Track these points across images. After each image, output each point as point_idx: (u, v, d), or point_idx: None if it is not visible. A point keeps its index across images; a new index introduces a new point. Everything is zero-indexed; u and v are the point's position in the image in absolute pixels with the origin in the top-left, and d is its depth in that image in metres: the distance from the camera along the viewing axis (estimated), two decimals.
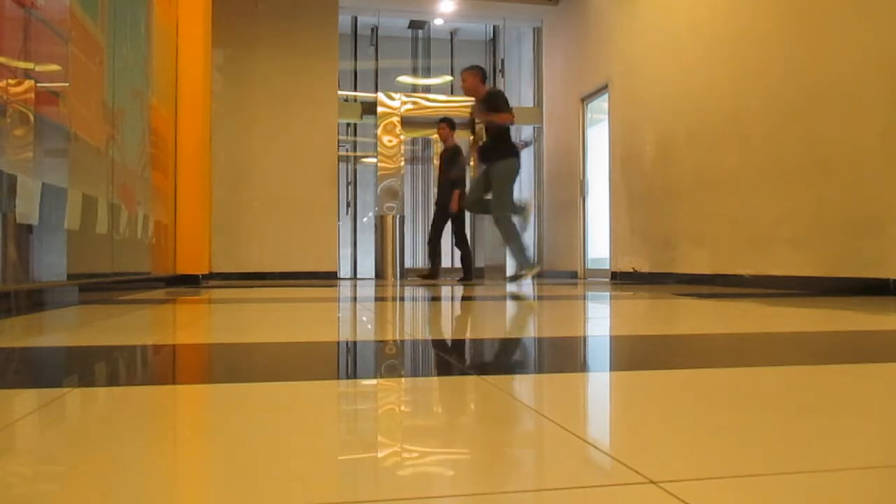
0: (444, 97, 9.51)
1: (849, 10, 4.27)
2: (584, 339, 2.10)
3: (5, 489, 0.66)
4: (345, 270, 9.44)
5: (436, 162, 9.69)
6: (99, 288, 3.96)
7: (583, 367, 1.56)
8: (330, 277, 8.42)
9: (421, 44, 10.52)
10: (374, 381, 1.35)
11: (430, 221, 7.49)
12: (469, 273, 7.22)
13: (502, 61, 10.35)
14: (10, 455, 0.80)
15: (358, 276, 9.55)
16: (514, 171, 5.66)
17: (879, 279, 3.97)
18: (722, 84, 5.50)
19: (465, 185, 7.18)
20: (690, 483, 0.66)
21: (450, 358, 1.70)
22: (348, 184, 9.76)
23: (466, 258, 7.24)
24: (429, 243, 7.55)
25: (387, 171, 8.70)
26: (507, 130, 5.79)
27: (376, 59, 9.80)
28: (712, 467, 0.73)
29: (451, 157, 7.28)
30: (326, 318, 2.82)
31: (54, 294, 3.27)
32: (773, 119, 4.88)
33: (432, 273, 7.35)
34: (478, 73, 5.91)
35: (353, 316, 3.00)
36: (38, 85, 2.84)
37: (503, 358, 1.70)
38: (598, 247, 8.03)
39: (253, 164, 8.28)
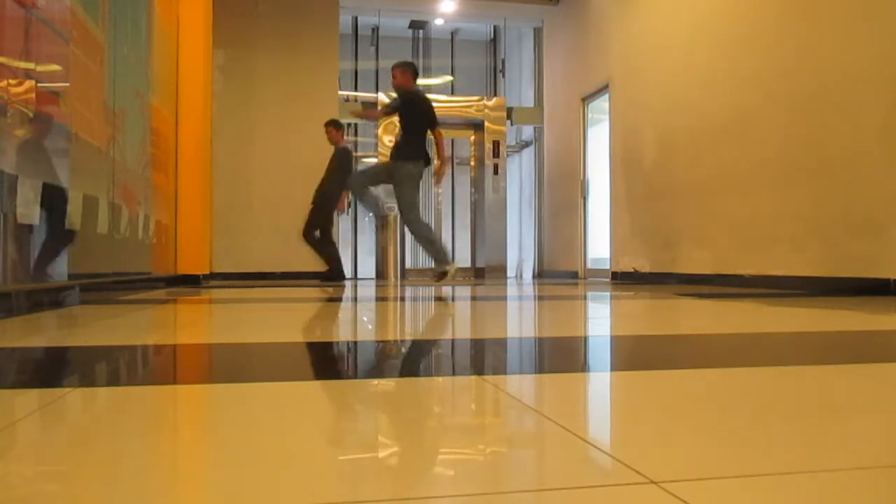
0: (444, 97, 9.50)
1: (849, 12, 4.26)
2: (585, 339, 2.10)
3: (5, 489, 0.66)
4: (345, 270, 9.43)
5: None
6: (99, 288, 3.96)
7: (583, 367, 1.56)
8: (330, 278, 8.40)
9: (421, 44, 10.52)
10: (381, 381, 1.35)
11: (307, 223, 7.06)
12: (333, 274, 6.96)
13: (503, 61, 10.36)
14: (10, 455, 0.80)
15: (358, 276, 9.55)
16: (413, 176, 5.55)
17: (879, 279, 3.97)
18: (722, 84, 5.49)
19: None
20: (691, 483, 0.66)
21: (452, 358, 1.70)
22: None
23: (333, 257, 7.01)
24: (313, 243, 7.15)
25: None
26: (419, 134, 5.62)
27: (377, 59, 9.80)
28: (713, 467, 0.72)
29: (340, 158, 7.03)
30: (326, 318, 2.82)
31: (55, 294, 3.27)
32: (774, 119, 4.88)
33: (334, 274, 7.03)
34: (408, 70, 5.75)
35: (354, 316, 2.99)
36: (39, 85, 2.84)
37: (504, 358, 1.70)
38: (599, 247, 8.03)
39: (253, 164, 8.28)
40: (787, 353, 1.70)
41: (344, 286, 5.42)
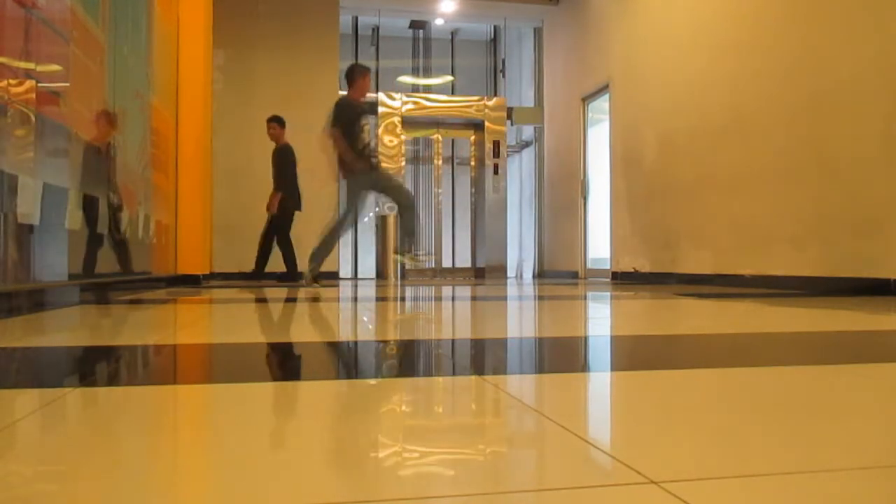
0: (444, 97, 9.50)
1: (849, 13, 4.26)
2: (585, 339, 2.10)
3: (5, 489, 0.66)
4: (345, 270, 9.44)
5: (437, 162, 9.70)
6: (100, 288, 3.96)
7: (584, 367, 1.56)
8: (331, 277, 8.41)
9: (422, 44, 10.52)
10: (381, 381, 1.35)
11: (269, 226, 6.89)
12: (293, 274, 6.82)
13: (503, 61, 10.36)
14: (10, 455, 0.80)
15: (358, 276, 9.55)
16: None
17: (879, 279, 3.97)
18: (723, 84, 5.49)
19: (294, 188, 6.85)
20: (691, 483, 0.66)
21: (453, 358, 1.70)
22: None
23: (291, 259, 6.90)
24: (280, 246, 6.97)
25: (388, 170, 8.70)
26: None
27: (377, 59, 9.80)
28: (713, 467, 0.72)
29: (284, 155, 6.85)
30: (326, 318, 2.82)
31: (55, 294, 3.27)
32: (774, 119, 4.88)
33: (292, 275, 6.85)
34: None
35: (354, 316, 2.99)
36: (39, 85, 2.84)
37: (504, 358, 1.69)
38: (599, 247, 8.03)
39: (253, 164, 8.27)
40: (787, 353, 1.70)
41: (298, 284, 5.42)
